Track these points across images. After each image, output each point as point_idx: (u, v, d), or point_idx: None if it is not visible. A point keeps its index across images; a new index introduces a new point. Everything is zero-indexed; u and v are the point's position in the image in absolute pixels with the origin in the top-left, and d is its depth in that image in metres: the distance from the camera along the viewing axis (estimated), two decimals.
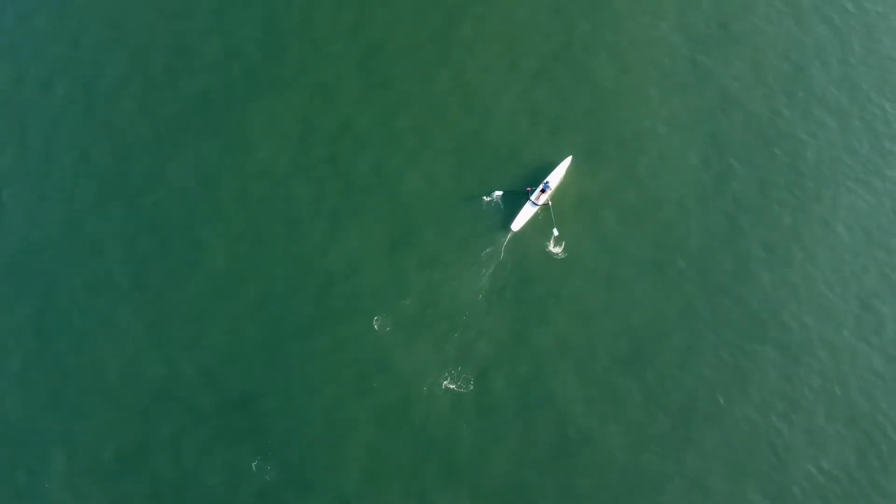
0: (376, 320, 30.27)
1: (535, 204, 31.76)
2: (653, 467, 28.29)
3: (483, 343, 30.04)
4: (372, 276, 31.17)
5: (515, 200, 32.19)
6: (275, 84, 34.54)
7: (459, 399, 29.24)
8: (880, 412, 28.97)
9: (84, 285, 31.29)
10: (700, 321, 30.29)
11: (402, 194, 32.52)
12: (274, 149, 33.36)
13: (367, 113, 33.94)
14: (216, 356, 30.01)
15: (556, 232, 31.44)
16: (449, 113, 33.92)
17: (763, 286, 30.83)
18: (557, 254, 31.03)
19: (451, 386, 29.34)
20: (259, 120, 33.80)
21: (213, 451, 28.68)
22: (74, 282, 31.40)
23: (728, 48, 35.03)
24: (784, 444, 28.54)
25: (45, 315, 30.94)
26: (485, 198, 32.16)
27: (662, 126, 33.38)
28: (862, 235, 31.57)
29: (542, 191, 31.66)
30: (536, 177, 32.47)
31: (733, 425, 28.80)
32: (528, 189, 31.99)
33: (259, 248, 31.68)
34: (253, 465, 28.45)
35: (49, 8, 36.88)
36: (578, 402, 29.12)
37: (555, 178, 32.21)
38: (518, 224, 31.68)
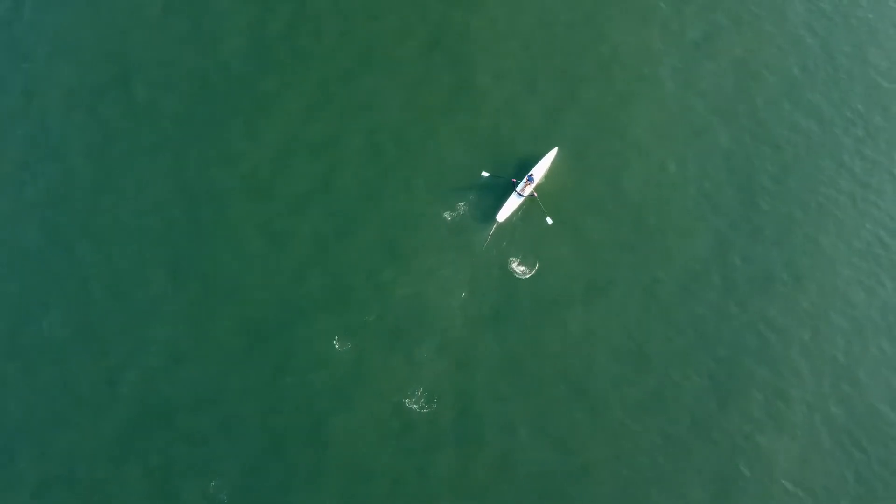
0: (336, 340, 30.01)
1: (521, 195, 31.79)
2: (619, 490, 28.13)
3: (455, 360, 29.95)
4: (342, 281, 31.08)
5: (501, 192, 32.43)
6: (253, 97, 34.33)
7: (424, 419, 28.96)
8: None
9: (41, 300, 30.92)
10: (677, 335, 30.32)
11: (379, 204, 32.52)
12: (247, 162, 33.13)
13: (347, 125, 33.94)
14: (170, 373, 29.66)
15: (549, 220, 31.68)
16: (435, 115, 34.23)
17: (753, 297, 30.94)
18: (524, 273, 30.98)
19: (414, 406, 29.10)
20: (235, 131, 33.63)
21: (168, 471, 28.33)
22: (46, 295, 31.00)
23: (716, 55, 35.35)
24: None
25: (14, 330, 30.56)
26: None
27: (647, 132, 33.67)
28: (844, 247, 31.59)
29: (528, 182, 31.51)
30: (522, 167, 32.81)
31: (709, 444, 28.68)
32: (514, 180, 31.98)
33: (235, 264, 31.30)
34: (211, 485, 28.13)
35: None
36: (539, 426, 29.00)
37: (540, 169, 32.45)
38: (503, 215, 31.91)
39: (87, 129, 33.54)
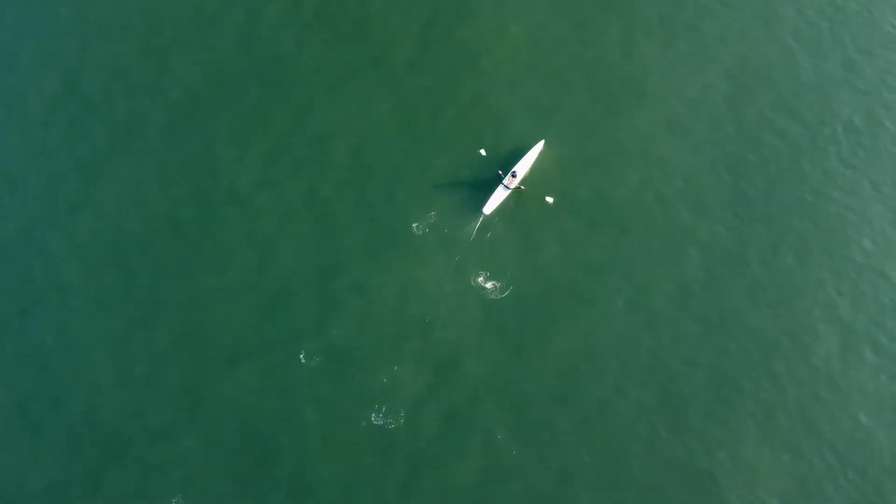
0: (303, 353, 29.27)
1: (508, 188, 31.12)
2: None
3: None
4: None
5: (487, 186, 32.06)
6: (236, 106, 33.96)
7: (390, 434, 28.40)
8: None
9: (17, 311, 30.46)
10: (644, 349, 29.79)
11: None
12: (228, 171, 32.67)
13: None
14: (133, 388, 29.15)
15: (549, 199, 31.37)
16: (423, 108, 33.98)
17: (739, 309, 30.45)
18: (494, 289, 30.19)
19: (380, 422, 28.48)
20: (218, 141, 33.19)
21: (132, 489, 27.90)
22: (7, 308, 30.59)
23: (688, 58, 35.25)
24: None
25: None
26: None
27: (636, 134, 33.38)
28: (825, 256, 31.27)
29: (512, 176, 31.42)
30: (510, 159, 32.51)
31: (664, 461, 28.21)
32: (500, 172, 31.36)
33: (189, 276, 30.79)
34: (173, 501, 27.61)
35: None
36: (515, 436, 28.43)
37: (527, 161, 32.21)
38: (490, 207, 31.60)
39: (70, 139, 33.32)
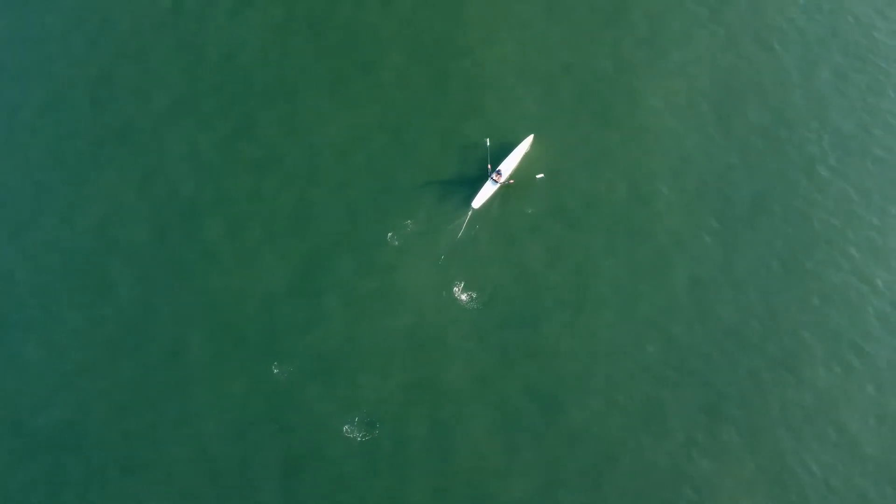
0: (275, 365, 28.85)
1: (496, 182, 30.96)
2: None
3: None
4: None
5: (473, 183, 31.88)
6: (196, 115, 33.85)
7: (363, 447, 27.85)
8: None
9: None
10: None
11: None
12: (189, 181, 32.49)
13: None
14: (106, 397, 28.82)
15: (539, 176, 31.32)
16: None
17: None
18: (470, 300, 29.62)
19: (353, 434, 27.82)
20: (178, 149, 32.95)
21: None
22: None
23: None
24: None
25: None
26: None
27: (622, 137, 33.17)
28: (810, 263, 30.96)
29: (498, 174, 31.45)
30: (500, 154, 32.23)
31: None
32: (489, 167, 31.64)
33: (171, 284, 30.54)
34: None
35: None
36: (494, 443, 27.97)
37: (516, 156, 32.20)
38: (479, 201, 31.53)
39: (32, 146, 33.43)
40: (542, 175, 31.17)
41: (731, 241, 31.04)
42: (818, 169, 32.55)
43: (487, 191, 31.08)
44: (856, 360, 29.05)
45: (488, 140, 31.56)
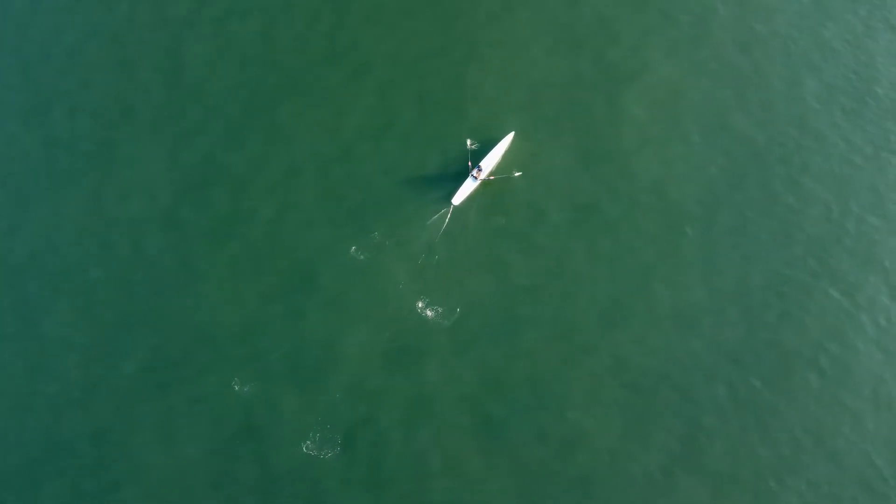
0: (234, 380, 28.64)
1: (476, 179, 31.38)
2: None
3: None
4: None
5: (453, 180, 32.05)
6: (173, 125, 33.88)
7: (326, 464, 27.61)
8: None
9: None
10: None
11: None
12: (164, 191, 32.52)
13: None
14: (74, 410, 28.79)
15: (517, 174, 31.49)
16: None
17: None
18: (437, 314, 29.54)
19: (314, 452, 27.63)
20: (154, 160, 33.02)
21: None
22: None
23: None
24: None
25: None
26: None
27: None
28: (804, 272, 30.92)
29: (478, 170, 31.60)
30: (479, 153, 32.54)
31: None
32: (469, 164, 32.02)
33: (149, 297, 30.52)
34: None
35: None
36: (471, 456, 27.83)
37: (497, 153, 32.49)
38: (459, 198, 31.78)
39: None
40: (520, 173, 31.33)
41: (712, 250, 31.01)
42: (799, 178, 32.71)
43: (468, 187, 31.33)
44: (834, 370, 29.01)
45: (469, 140, 31.83)
